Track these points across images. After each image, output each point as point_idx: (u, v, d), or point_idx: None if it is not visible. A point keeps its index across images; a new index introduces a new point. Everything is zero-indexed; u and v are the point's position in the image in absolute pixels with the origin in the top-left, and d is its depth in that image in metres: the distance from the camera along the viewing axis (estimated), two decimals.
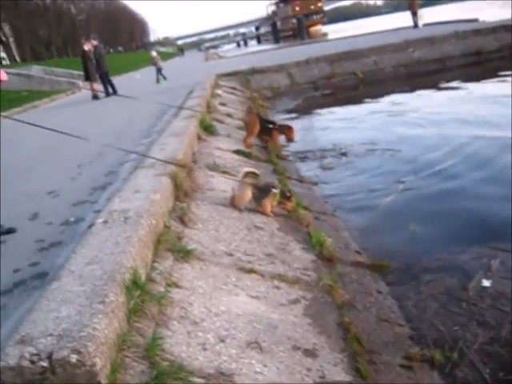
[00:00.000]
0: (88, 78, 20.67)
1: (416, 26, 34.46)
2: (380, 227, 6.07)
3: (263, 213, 5.56)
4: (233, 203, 5.54)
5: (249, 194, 5.50)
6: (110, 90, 20.26)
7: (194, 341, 3.04)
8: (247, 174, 5.60)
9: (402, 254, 5.29)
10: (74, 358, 2.33)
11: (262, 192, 5.57)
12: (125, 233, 3.72)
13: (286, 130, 9.52)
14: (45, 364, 2.34)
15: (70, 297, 2.85)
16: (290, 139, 9.60)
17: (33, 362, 2.35)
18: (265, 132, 9.38)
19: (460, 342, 3.77)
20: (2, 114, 14.03)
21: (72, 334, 2.46)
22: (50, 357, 2.35)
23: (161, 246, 4.06)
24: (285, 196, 5.63)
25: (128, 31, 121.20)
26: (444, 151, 8.61)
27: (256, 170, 5.87)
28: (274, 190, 5.55)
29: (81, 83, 30.30)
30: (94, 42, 20.40)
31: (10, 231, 5.38)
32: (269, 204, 5.56)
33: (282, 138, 9.66)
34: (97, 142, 7.68)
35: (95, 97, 20.33)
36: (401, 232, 5.78)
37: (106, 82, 20.37)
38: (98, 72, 20.17)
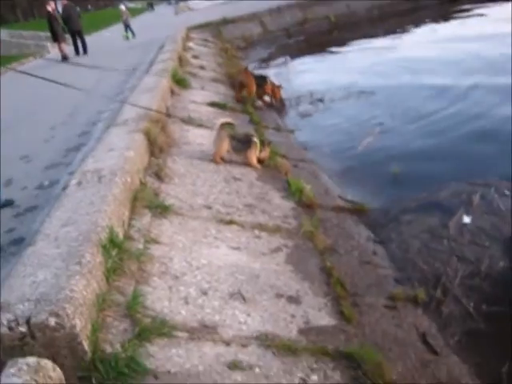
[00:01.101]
0: (56, 39, 20.16)
1: None
2: (359, 170, 6.04)
3: (249, 165, 5.51)
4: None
5: (226, 145, 5.43)
6: (81, 49, 19.88)
7: (175, 295, 3.02)
8: (223, 125, 5.50)
9: (383, 196, 5.29)
10: (52, 321, 2.30)
11: (242, 143, 5.51)
12: (99, 192, 3.65)
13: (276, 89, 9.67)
14: (23, 329, 2.30)
15: (46, 260, 2.80)
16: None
17: (11, 328, 2.30)
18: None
19: (443, 279, 3.80)
20: None
21: (49, 297, 2.42)
22: (28, 322, 2.31)
23: (138, 203, 4.00)
24: (264, 144, 5.59)
25: None
26: (419, 91, 8.56)
27: (231, 120, 5.76)
28: (255, 139, 5.49)
29: (49, 45, 29.55)
30: (65, 2, 19.88)
31: (8, 203, 5.15)
32: (254, 155, 5.51)
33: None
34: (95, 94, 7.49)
35: (64, 58, 19.85)
36: (380, 174, 5.78)
37: (78, 41, 19.99)
38: (69, 32, 19.80)
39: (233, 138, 5.47)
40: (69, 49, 20.28)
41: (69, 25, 19.49)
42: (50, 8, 19.45)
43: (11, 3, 76.52)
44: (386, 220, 4.81)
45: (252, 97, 9.33)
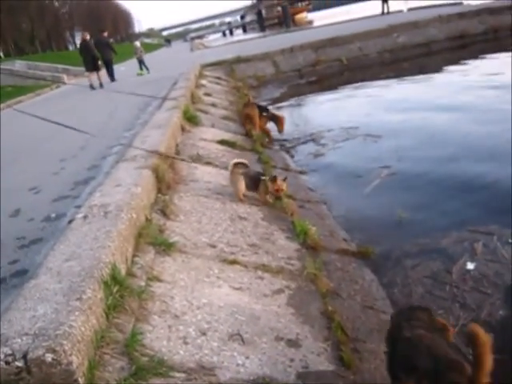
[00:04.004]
0: (89, 68, 20.82)
1: (383, 13, 33.48)
2: (365, 213, 6.05)
3: (262, 202, 5.65)
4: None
5: (243, 183, 5.56)
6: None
7: (174, 335, 3.01)
8: (236, 165, 5.65)
9: (387, 240, 5.27)
10: (49, 357, 2.30)
11: (253, 180, 5.64)
12: (104, 227, 3.68)
13: (278, 120, 9.96)
14: (20, 364, 2.30)
15: (47, 294, 2.81)
16: (280, 130, 9.99)
17: (8, 363, 2.31)
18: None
19: None
20: None
21: (48, 332, 2.42)
22: (25, 357, 2.31)
23: (142, 239, 4.01)
24: (274, 180, 5.61)
25: (112, 23, 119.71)
26: (427, 137, 8.58)
27: (245, 161, 5.86)
28: (263, 178, 5.62)
29: (65, 77, 30.22)
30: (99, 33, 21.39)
31: None
32: (263, 192, 5.62)
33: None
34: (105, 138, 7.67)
35: (92, 87, 20.48)
36: (385, 217, 5.78)
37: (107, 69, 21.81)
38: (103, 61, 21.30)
39: (246, 175, 5.61)
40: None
41: (102, 54, 20.90)
42: (85, 38, 20.48)
43: (30, 35, 78.03)
44: (389, 264, 4.79)
45: (256, 130, 9.55)
